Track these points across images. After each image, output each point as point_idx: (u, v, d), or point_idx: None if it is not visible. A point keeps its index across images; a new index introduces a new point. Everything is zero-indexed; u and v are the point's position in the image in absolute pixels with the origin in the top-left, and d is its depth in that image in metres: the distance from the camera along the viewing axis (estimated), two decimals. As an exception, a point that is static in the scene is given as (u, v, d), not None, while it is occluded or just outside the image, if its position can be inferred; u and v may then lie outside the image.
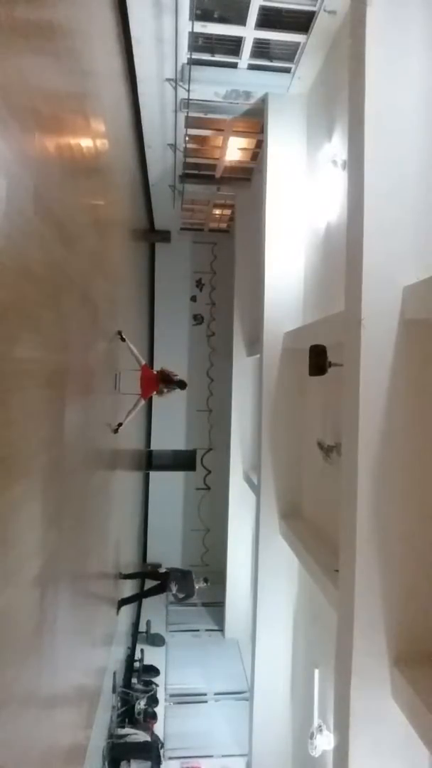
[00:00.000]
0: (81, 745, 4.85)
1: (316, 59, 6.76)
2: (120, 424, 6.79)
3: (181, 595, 8.66)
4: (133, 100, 7.71)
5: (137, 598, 10.32)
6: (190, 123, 8.14)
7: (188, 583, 8.48)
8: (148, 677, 9.99)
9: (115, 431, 6.62)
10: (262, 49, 6.79)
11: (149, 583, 9.67)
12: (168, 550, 14.73)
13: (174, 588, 8.55)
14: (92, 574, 5.28)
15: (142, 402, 7.43)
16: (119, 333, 6.84)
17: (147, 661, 10.44)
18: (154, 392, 7.45)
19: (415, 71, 3.80)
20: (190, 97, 7.23)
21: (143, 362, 7.49)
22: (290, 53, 6.79)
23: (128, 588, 9.02)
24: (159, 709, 9.29)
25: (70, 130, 3.67)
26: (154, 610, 12.39)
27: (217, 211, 13.10)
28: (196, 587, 8.54)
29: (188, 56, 6.68)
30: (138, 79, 7.26)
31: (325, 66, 6.78)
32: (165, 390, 7.41)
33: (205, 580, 8.76)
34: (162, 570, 9.00)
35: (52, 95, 3.11)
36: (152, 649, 11.22)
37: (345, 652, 3.88)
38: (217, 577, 12.86)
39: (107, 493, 6.43)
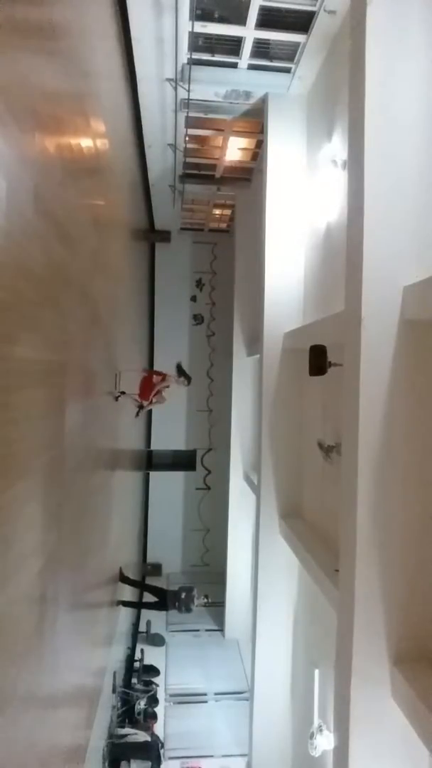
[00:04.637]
0: (81, 745, 4.85)
1: (316, 59, 6.75)
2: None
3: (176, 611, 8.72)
4: (133, 100, 7.70)
5: (136, 606, 10.37)
6: (190, 123, 8.14)
7: (187, 601, 8.50)
8: (148, 677, 9.99)
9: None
10: (262, 49, 6.78)
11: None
12: (168, 550, 14.74)
13: (171, 607, 8.66)
14: (92, 574, 5.28)
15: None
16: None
17: (147, 661, 10.44)
18: (154, 399, 7.47)
19: (415, 71, 3.80)
20: (190, 97, 7.23)
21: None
22: (290, 53, 6.78)
23: (128, 590, 9.02)
24: (159, 709, 9.28)
25: (70, 130, 3.67)
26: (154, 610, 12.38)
27: (217, 211, 13.10)
28: (196, 604, 8.56)
29: (188, 56, 6.67)
30: (138, 79, 7.26)
31: (325, 66, 6.78)
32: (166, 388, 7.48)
33: (206, 597, 8.80)
34: (172, 588, 9.01)
35: (52, 95, 3.11)
36: (152, 649, 11.22)
37: (345, 652, 3.88)
38: (217, 577, 12.88)
39: (107, 492, 6.43)
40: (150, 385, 7.40)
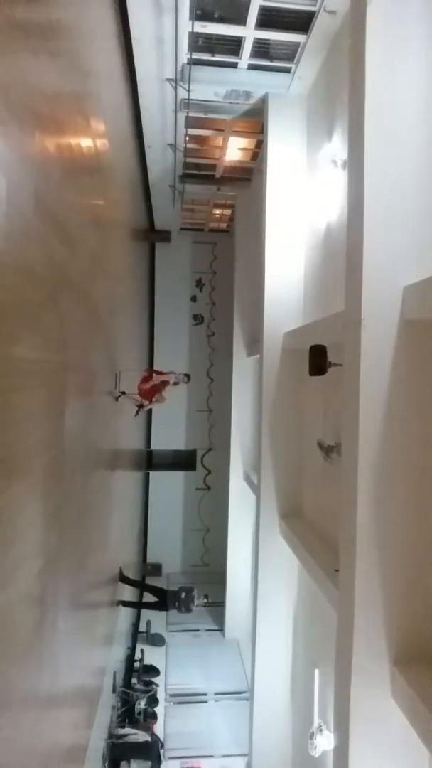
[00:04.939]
0: (81, 745, 4.85)
1: (316, 59, 6.75)
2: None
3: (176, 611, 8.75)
4: (133, 100, 7.70)
5: (136, 606, 10.38)
6: (190, 123, 8.14)
7: (187, 601, 8.52)
8: (148, 677, 9.99)
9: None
10: (262, 49, 6.78)
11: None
12: (168, 550, 14.73)
13: (171, 607, 8.70)
14: (92, 574, 5.28)
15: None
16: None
17: (147, 661, 10.44)
18: (153, 399, 7.51)
19: (415, 71, 3.80)
20: (190, 97, 7.23)
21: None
22: (290, 53, 6.78)
23: (128, 590, 9.02)
24: (159, 709, 9.28)
25: (70, 130, 3.67)
26: (154, 610, 12.38)
27: (217, 211, 13.10)
28: (196, 604, 8.58)
29: (188, 56, 6.67)
30: (138, 79, 7.26)
31: (325, 66, 6.78)
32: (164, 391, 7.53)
33: (206, 597, 8.82)
34: (173, 588, 9.05)
35: (52, 95, 3.11)
36: (152, 649, 11.21)
37: (345, 652, 3.88)
38: (217, 577, 12.88)
39: (107, 492, 6.43)
40: (151, 384, 7.44)
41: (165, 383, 7.53)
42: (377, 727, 3.71)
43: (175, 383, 7.70)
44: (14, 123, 2.32)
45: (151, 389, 7.40)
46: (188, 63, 6.74)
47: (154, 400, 7.48)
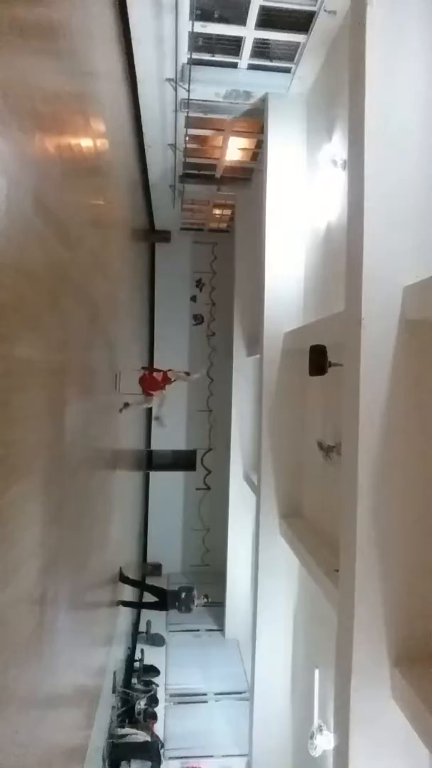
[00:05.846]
0: (81, 745, 4.85)
1: (316, 59, 6.75)
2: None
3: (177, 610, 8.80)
4: (133, 100, 7.70)
5: (136, 606, 10.39)
6: (190, 123, 8.14)
7: (187, 601, 8.54)
8: (148, 677, 10.00)
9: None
10: (262, 49, 6.78)
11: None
12: (168, 550, 14.74)
13: (171, 607, 8.75)
14: (92, 574, 5.29)
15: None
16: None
17: (147, 661, 10.44)
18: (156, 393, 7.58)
19: (415, 71, 3.80)
20: (190, 97, 7.23)
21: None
22: (290, 53, 6.78)
23: (128, 590, 9.02)
24: (159, 709, 9.29)
25: (70, 130, 3.67)
26: (155, 610, 12.38)
27: (217, 211, 13.10)
28: (196, 603, 8.60)
29: (188, 56, 6.67)
30: (138, 79, 7.26)
31: (325, 66, 6.78)
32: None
33: (206, 597, 8.83)
34: (173, 588, 9.10)
35: (52, 95, 3.11)
36: (152, 649, 11.22)
37: (345, 652, 3.88)
38: (217, 577, 12.88)
39: (107, 492, 6.43)
40: (154, 381, 7.52)
41: (167, 379, 7.60)
42: (377, 727, 3.71)
43: (175, 380, 7.79)
44: (14, 123, 2.32)
45: (155, 381, 7.48)
46: (188, 63, 6.74)
47: (156, 393, 7.56)
